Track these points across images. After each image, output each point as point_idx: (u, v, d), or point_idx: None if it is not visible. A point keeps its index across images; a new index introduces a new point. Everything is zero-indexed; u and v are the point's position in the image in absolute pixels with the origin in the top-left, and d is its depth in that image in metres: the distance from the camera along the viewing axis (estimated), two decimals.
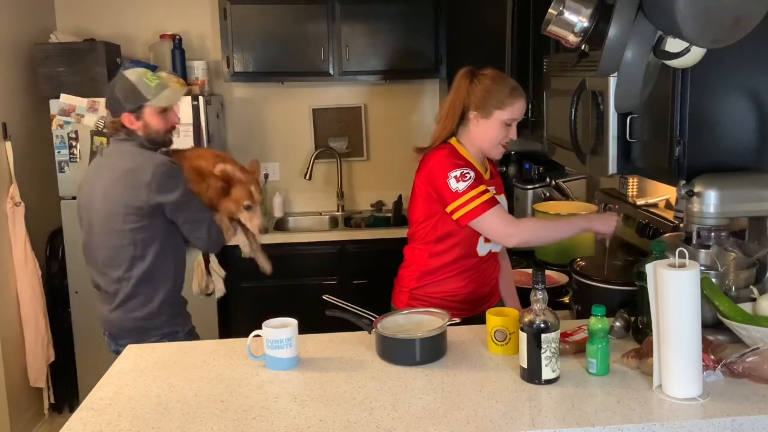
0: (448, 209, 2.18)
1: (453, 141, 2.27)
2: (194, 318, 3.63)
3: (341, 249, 3.91)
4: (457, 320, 1.89)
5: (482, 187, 2.17)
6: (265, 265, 2.64)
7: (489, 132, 2.25)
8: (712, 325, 1.78)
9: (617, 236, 2.86)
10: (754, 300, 1.80)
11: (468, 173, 2.17)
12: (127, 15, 4.18)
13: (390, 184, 4.31)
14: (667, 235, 2.30)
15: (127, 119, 2.33)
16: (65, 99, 3.55)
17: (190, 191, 2.33)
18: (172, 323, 2.40)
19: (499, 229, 2.17)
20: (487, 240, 2.26)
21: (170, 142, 2.43)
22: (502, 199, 2.34)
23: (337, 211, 4.42)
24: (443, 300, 2.27)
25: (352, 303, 2.00)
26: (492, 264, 2.37)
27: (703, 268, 1.75)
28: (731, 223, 1.86)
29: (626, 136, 2.07)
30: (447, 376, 1.72)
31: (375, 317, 1.91)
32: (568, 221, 2.44)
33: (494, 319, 1.85)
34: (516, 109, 2.24)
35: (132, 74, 2.36)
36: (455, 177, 2.16)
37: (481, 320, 2.06)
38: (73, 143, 3.57)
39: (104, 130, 2.47)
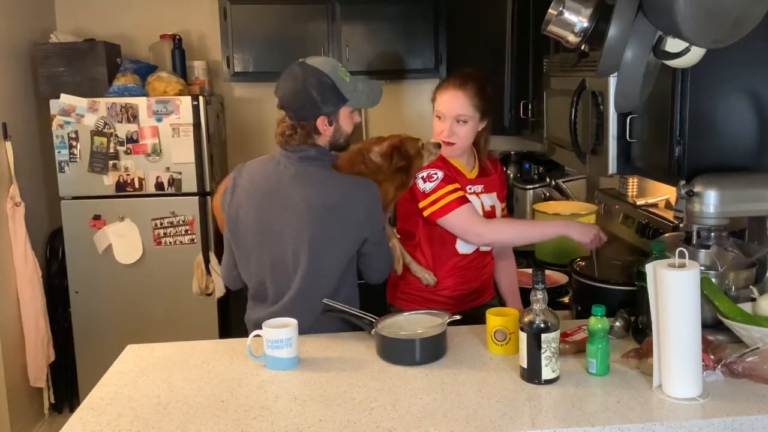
0: (420, 207, 2.22)
1: (433, 140, 2.30)
2: (194, 318, 3.66)
3: None
4: (458, 317, 1.89)
5: (451, 187, 2.19)
6: (424, 274, 2.26)
7: (433, 126, 2.29)
8: (712, 325, 1.78)
9: (617, 236, 2.86)
10: (754, 300, 1.80)
11: (435, 174, 2.20)
12: (127, 15, 4.18)
13: None
14: (667, 235, 2.30)
15: (321, 123, 1.95)
16: (65, 99, 3.55)
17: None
18: None
19: (466, 228, 2.20)
20: None
21: (349, 145, 2.08)
22: (491, 197, 2.35)
23: None
24: (432, 293, 2.29)
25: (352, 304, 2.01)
26: (482, 261, 2.38)
27: (703, 268, 1.75)
28: (731, 223, 1.86)
29: (626, 136, 2.07)
30: (447, 376, 1.71)
31: (375, 318, 1.91)
32: (544, 224, 2.51)
33: (494, 319, 1.85)
34: (439, 102, 2.25)
35: (326, 67, 1.95)
36: (422, 177, 2.20)
37: (474, 317, 2.07)
38: (73, 143, 3.57)
39: (282, 140, 2.00)
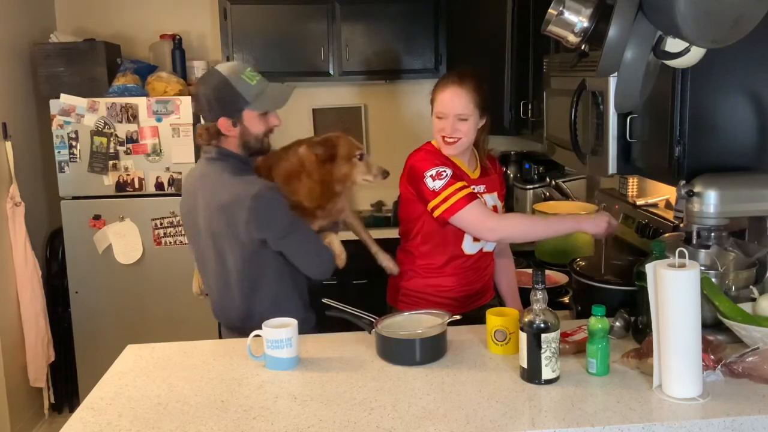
0: (429, 207, 2.20)
1: (434, 141, 2.30)
2: (194, 318, 3.66)
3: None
4: (458, 317, 1.89)
5: (460, 184, 2.18)
6: (390, 264, 2.31)
7: (433, 125, 2.27)
8: (712, 325, 1.78)
9: (617, 236, 2.86)
10: (754, 300, 1.80)
11: (444, 171, 2.19)
12: (127, 15, 4.18)
13: (390, 184, 4.28)
14: (667, 235, 2.30)
15: (224, 125, 2.03)
16: (65, 99, 3.55)
17: (294, 217, 2.03)
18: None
19: (478, 224, 2.18)
20: (475, 239, 2.27)
21: (268, 147, 2.13)
22: (493, 197, 2.34)
23: None
24: (434, 295, 2.29)
25: (352, 303, 2.00)
26: (485, 262, 2.38)
27: (703, 268, 1.75)
28: (731, 223, 1.86)
29: (626, 136, 2.07)
30: (447, 376, 1.71)
31: (375, 318, 1.91)
32: (556, 220, 2.46)
33: (494, 319, 1.85)
34: (439, 102, 2.23)
35: (228, 70, 2.03)
36: (431, 176, 2.18)
37: (474, 318, 2.07)
38: (73, 143, 3.57)
39: (197, 139, 2.14)
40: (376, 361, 1.82)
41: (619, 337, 1.90)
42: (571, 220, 2.34)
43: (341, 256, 2.14)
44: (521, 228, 2.27)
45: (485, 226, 2.18)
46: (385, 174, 2.16)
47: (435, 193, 2.17)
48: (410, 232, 2.33)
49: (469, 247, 2.28)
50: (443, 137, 2.24)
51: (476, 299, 2.36)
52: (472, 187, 2.26)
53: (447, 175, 2.18)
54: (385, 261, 2.32)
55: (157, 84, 3.62)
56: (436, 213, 2.19)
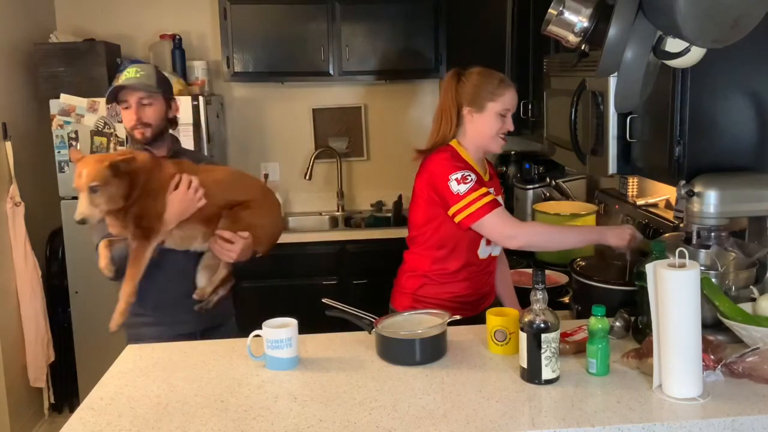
0: (450, 212, 2.16)
1: (454, 143, 2.26)
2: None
3: (341, 249, 3.91)
4: (458, 317, 1.88)
5: (484, 189, 2.15)
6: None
7: (485, 125, 2.23)
8: (712, 325, 1.78)
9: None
10: (754, 300, 1.80)
11: (469, 175, 2.15)
12: (127, 15, 4.19)
13: (390, 184, 4.31)
14: (667, 235, 2.29)
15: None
16: (65, 99, 3.55)
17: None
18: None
19: (501, 231, 2.15)
20: (488, 242, 2.25)
21: (140, 138, 2.22)
22: (500, 200, 2.33)
23: (337, 211, 4.42)
24: (447, 301, 2.26)
25: (352, 303, 2.00)
26: (492, 265, 2.37)
27: (703, 268, 1.75)
28: (731, 223, 1.86)
29: (626, 136, 2.07)
30: (447, 376, 1.72)
31: (375, 318, 1.91)
32: (578, 230, 2.43)
33: (494, 319, 1.85)
34: (507, 99, 2.23)
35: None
36: (456, 179, 2.14)
37: (481, 320, 2.06)
38: (73, 143, 3.57)
39: None
40: (376, 361, 1.82)
41: (619, 337, 1.90)
42: (595, 232, 2.29)
43: (100, 263, 2.24)
44: (542, 237, 2.24)
45: (507, 233, 2.15)
46: (80, 220, 2.09)
47: (459, 197, 2.13)
48: (424, 236, 2.27)
49: (483, 251, 2.27)
50: (501, 135, 2.24)
51: (484, 301, 2.36)
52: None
53: (472, 179, 2.14)
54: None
55: None
56: (458, 218, 2.14)
